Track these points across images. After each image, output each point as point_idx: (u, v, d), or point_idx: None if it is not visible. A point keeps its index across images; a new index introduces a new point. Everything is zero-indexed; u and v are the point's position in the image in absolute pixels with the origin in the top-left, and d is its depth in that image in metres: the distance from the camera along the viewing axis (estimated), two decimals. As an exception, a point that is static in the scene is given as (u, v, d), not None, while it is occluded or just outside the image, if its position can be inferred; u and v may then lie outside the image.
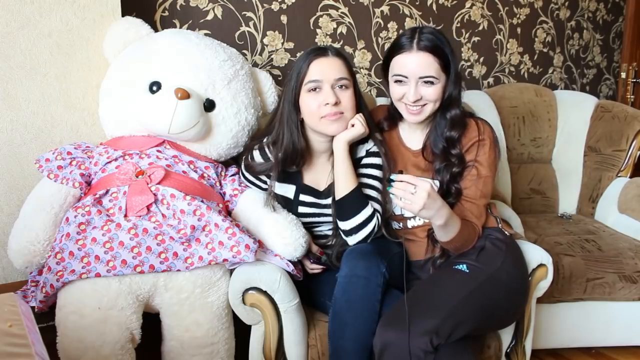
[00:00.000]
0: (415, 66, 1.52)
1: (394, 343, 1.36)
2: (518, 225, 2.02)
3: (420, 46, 1.51)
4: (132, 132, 1.68)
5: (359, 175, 1.62)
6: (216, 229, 1.50)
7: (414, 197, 1.38)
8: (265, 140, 1.65)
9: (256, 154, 1.65)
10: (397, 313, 1.41)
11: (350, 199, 1.56)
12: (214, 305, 1.54)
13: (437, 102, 1.55)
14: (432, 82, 1.52)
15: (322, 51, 1.59)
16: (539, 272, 1.69)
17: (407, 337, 1.36)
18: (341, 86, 1.56)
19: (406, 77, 1.53)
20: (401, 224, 1.68)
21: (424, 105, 1.55)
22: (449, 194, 1.57)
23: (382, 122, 1.73)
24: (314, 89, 1.55)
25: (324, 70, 1.55)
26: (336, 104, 1.54)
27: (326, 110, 1.54)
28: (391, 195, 1.44)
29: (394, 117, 1.69)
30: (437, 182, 1.59)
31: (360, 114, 1.59)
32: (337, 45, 2.34)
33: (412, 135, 1.68)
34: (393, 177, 1.42)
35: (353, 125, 1.58)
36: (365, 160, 1.65)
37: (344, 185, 1.57)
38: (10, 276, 1.67)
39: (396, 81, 1.56)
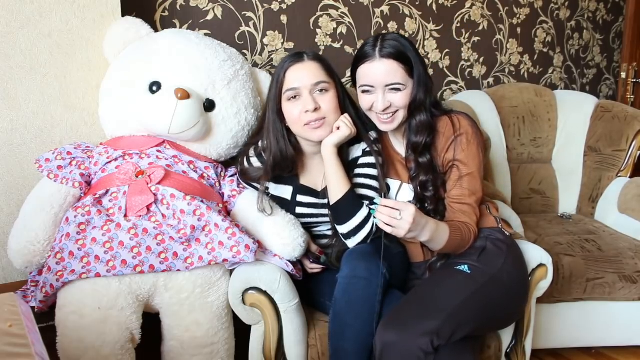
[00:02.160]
0: (380, 74, 1.51)
1: (394, 344, 1.36)
2: (518, 225, 2.02)
3: (384, 53, 1.50)
4: (132, 132, 1.68)
5: (356, 176, 1.62)
6: (216, 229, 1.50)
7: (400, 222, 1.37)
8: (261, 145, 1.65)
9: (254, 160, 1.65)
10: (398, 314, 1.41)
11: (344, 203, 1.55)
12: (214, 305, 1.54)
13: (407, 107, 1.54)
14: (398, 89, 1.51)
15: (297, 57, 1.58)
16: (539, 272, 1.69)
17: (408, 338, 1.35)
18: (321, 90, 1.56)
19: (372, 87, 1.53)
20: None
21: (395, 112, 1.55)
22: (427, 202, 1.56)
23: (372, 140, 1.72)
24: (294, 97, 1.55)
25: (300, 77, 1.55)
26: (316, 109, 1.54)
27: (307, 117, 1.54)
28: (375, 221, 1.42)
29: None
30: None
31: (346, 115, 1.59)
32: (337, 45, 2.34)
33: (396, 141, 1.68)
34: (377, 201, 1.41)
35: (338, 128, 1.57)
36: (362, 160, 1.65)
37: (337, 190, 1.56)
38: (10, 276, 1.67)
39: (363, 91, 1.55)
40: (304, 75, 1.55)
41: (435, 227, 1.45)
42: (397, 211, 1.37)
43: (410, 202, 1.58)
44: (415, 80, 1.53)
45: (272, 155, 1.59)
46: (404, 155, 1.65)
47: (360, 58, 1.55)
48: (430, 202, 1.57)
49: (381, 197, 1.51)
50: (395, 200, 1.39)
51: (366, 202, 1.57)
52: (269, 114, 1.61)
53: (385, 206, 1.38)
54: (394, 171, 1.67)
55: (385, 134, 1.69)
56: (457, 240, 1.50)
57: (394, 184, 1.66)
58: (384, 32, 1.52)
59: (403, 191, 1.64)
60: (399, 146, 1.68)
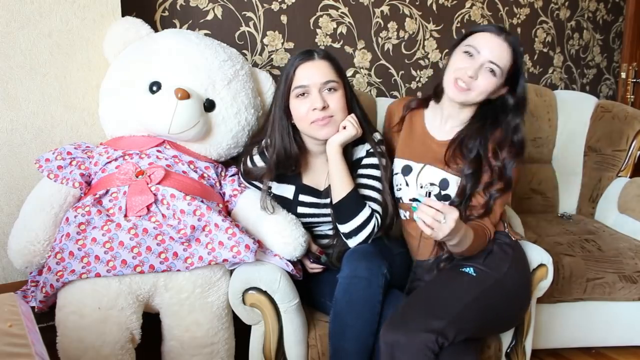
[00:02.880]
0: (493, 48, 1.52)
1: (402, 343, 1.35)
2: (518, 225, 2.01)
3: (509, 40, 1.53)
4: (132, 132, 1.68)
5: (359, 176, 1.62)
6: (216, 229, 1.50)
7: (442, 225, 1.35)
8: (264, 143, 1.65)
9: (257, 159, 1.65)
10: (404, 314, 1.41)
11: (347, 202, 1.56)
12: (214, 305, 1.54)
13: (483, 94, 1.54)
14: (494, 72, 1.52)
15: (308, 55, 1.58)
16: (539, 272, 1.68)
17: (414, 336, 1.35)
18: (329, 89, 1.56)
19: (478, 52, 1.53)
20: (408, 213, 1.66)
21: (472, 90, 1.54)
22: (465, 202, 1.55)
23: (411, 101, 1.73)
24: (302, 94, 1.55)
25: (310, 75, 1.55)
26: (324, 108, 1.54)
27: (315, 115, 1.54)
28: (415, 218, 1.39)
29: (426, 100, 1.68)
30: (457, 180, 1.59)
31: (352, 115, 1.59)
32: (337, 45, 2.34)
33: (440, 125, 1.66)
34: (420, 199, 1.39)
35: (345, 128, 1.57)
36: (366, 161, 1.65)
37: (340, 189, 1.56)
38: (10, 276, 1.66)
39: (465, 52, 1.55)
40: (314, 74, 1.55)
41: (464, 233, 1.44)
42: (441, 214, 1.35)
43: (433, 185, 1.58)
44: (519, 84, 1.57)
45: (276, 152, 1.59)
46: (439, 139, 1.64)
47: (480, 29, 1.56)
48: (467, 207, 1.55)
49: (426, 196, 1.48)
50: (442, 203, 1.37)
51: (408, 199, 1.57)
52: (275, 110, 1.60)
53: (430, 207, 1.36)
54: (418, 153, 1.65)
55: (420, 114, 1.70)
56: (476, 246, 1.50)
57: (415, 166, 1.64)
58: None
59: (425, 174, 1.62)
60: (439, 132, 1.66)
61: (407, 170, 1.65)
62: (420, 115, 1.71)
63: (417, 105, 1.71)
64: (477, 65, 1.52)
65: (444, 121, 1.65)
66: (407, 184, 1.64)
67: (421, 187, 1.61)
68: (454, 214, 1.36)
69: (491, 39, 1.53)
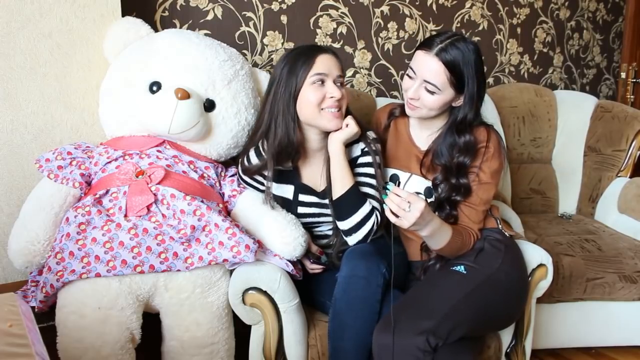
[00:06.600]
0: (424, 68, 1.51)
1: (391, 346, 1.36)
2: (518, 225, 2.02)
3: (440, 56, 1.49)
4: (132, 132, 1.68)
5: (356, 174, 1.63)
6: (216, 229, 1.50)
7: (407, 214, 1.37)
8: (260, 132, 1.64)
9: (252, 155, 1.65)
10: (394, 316, 1.41)
11: (347, 197, 1.56)
12: (214, 305, 1.54)
13: (433, 110, 1.55)
14: (433, 92, 1.51)
15: (323, 48, 1.61)
16: (538, 272, 1.69)
17: (403, 339, 1.35)
18: (340, 83, 1.59)
19: (415, 73, 1.54)
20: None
21: (420, 107, 1.55)
22: (442, 209, 1.56)
23: (395, 109, 1.73)
24: (319, 81, 1.56)
25: (330, 65, 1.57)
26: (339, 99, 1.56)
27: (330, 103, 1.56)
28: (384, 206, 1.42)
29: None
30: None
31: (350, 116, 1.61)
32: (337, 45, 2.34)
33: (419, 133, 1.68)
34: (389, 186, 1.41)
35: (347, 125, 1.59)
36: (362, 160, 1.65)
37: (341, 185, 1.57)
38: (10, 276, 1.67)
39: (408, 74, 1.57)
40: (332, 65, 1.58)
41: (438, 226, 1.45)
42: (407, 203, 1.37)
43: (419, 194, 1.58)
44: (465, 98, 1.53)
45: (279, 140, 1.58)
46: (422, 149, 1.65)
47: (423, 43, 1.55)
48: (446, 216, 1.55)
49: (396, 184, 1.50)
50: (408, 192, 1.38)
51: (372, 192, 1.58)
52: (284, 96, 1.57)
53: (397, 195, 1.38)
54: (404, 162, 1.67)
55: (405, 121, 1.71)
56: (456, 244, 1.51)
57: (403, 175, 1.66)
58: (459, 33, 1.53)
59: (411, 183, 1.64)
60: (419, 140, 1.68)
61: (394, 179, 1.67)
62: (404, 123, 1.72)
63: (401, 113, 1.72)
64: (416, 86, 1.53)
65: (422, 130, 1.67)
66: None
67: None
68: (419, 204, 1.37)
69: (423, 59, 1.52)
